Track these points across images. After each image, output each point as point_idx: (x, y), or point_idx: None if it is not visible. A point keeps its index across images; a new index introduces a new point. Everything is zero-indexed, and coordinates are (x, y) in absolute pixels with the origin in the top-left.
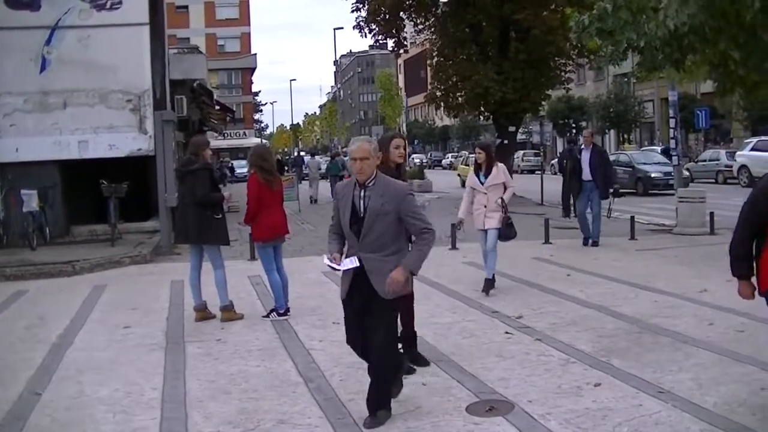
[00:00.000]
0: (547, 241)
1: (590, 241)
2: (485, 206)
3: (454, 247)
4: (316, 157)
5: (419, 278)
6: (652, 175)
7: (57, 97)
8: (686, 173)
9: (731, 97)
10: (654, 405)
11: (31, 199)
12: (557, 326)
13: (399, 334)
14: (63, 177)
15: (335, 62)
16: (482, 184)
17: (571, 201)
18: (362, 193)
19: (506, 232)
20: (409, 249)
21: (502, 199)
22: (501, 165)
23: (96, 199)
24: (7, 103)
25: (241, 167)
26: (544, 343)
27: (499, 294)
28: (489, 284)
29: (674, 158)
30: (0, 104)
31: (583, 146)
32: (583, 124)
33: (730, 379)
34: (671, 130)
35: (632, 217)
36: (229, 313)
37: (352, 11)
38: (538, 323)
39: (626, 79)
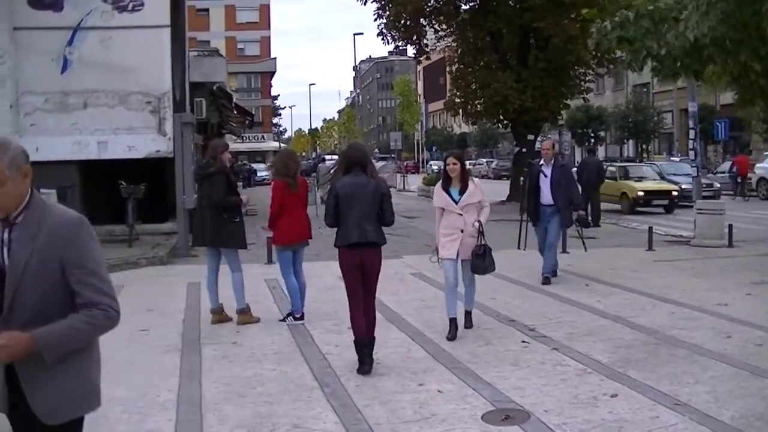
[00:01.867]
0: (564, 251)
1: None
2: (461, 230)
3: None
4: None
5: (433, 283)
6: (683, 186)
7: (77, 97)
8: (717, 185)
9: (753, 108)
10: (671, 417)
11: (49, 199)
12: (574, 336)
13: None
14: (82, 177)
15: (354, 67)
16: (456, 203)
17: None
18: (6, 236)
19: (478, 263)
20: None
21: (479, 222)
22: (477, 180)
23: (114, 200)
24: (28, 102)
25: (261, 171)
26: (560, 353)
27: (515, 302)
28: (469, 319)
29: (693, 169)
30: (21, 103)
31: (542, 162)
32: (602, 133)
33: (747, 392)
34: (690, 141)
35: (650, 228)
36: (245, 316)
37: (375, 19)
38: (554, 332)
39: (645, 90)
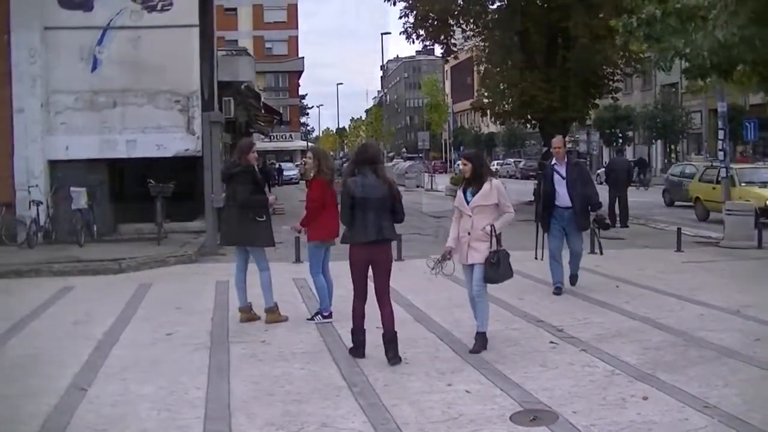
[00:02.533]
0: (592, 251)
1: (559, 288)
2: (469, 233)
3: None
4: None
5: (461, 283)
6: None
7: (107, 96)
8: None
9: None
10: (700, 420)
11: (79, 197)
12: (603, 337)
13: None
14: (111, 175)
15: (382, 67)
16: (468, 203)
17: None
18: None
19: (490, 271)
20: None
21: (492, 226)
22: (495, 181)
23: (142, 198)
24: (58, 101)
25: (289, 170)
26: (589, 354)
27: (544, 303)
28: (480, 340)
29: (722, 170)
30: (51, 102)
31: (555, 162)
32: (630, 134)
33: None
34: (719, 142)
35: (679, 229)
36: (273, 314)
37: (400, 17)
38: (583, 333)
39: (674, 89)
